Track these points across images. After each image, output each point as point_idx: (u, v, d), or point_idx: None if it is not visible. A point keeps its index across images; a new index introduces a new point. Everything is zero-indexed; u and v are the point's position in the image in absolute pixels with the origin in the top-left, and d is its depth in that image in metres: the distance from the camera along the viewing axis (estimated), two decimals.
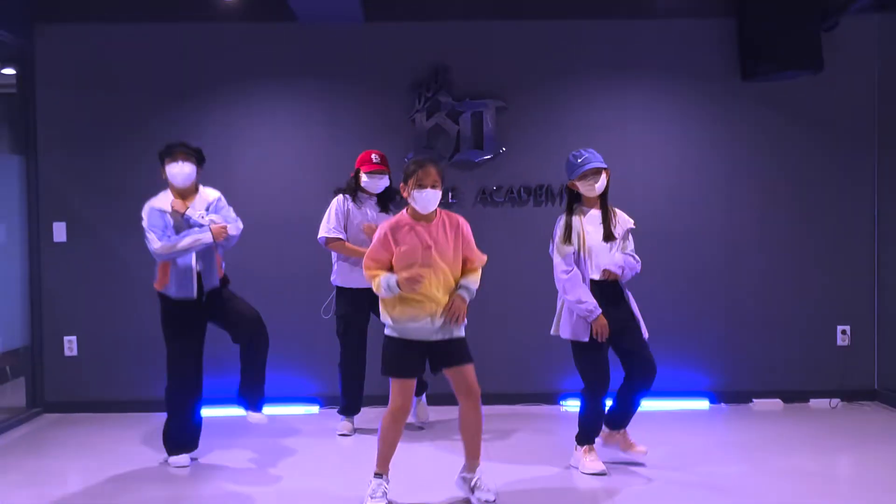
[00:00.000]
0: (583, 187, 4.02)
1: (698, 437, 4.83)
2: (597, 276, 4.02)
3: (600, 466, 4.07)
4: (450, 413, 4.45)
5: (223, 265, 4.39)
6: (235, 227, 4.27)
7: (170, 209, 4.19)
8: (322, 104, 5.61)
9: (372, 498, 3.60)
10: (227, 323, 4.32)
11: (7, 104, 5.77)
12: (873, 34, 5.59)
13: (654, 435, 4.48)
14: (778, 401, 5.59)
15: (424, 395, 5.07)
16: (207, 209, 4.23)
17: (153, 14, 5.57)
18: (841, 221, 5.64)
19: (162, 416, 4.70)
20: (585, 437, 4.15)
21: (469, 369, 3.61)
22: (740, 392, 5.60)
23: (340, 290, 4.88)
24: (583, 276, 4.01)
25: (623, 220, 4.11)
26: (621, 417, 4.21)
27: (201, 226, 4.17)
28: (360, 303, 4.77)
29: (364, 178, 4.82)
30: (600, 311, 3.93)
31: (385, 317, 3.61)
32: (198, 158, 4.28)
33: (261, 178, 5.55)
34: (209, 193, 4.33)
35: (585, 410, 4.12)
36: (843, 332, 5.64)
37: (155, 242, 4.11)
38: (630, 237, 4.12)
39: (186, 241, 4.12)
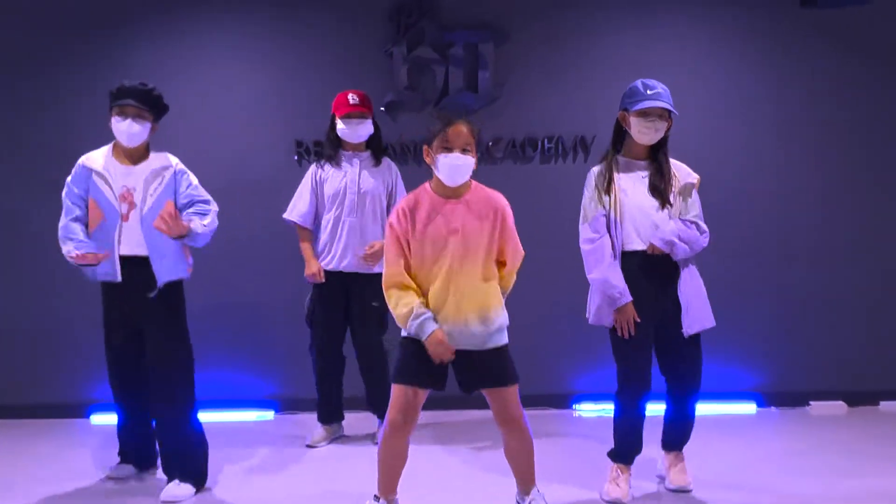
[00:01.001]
0: (637, 126, 3.21)
1: (743, 447, 4.11)
2: (638, 247, 3.22)
3: (617, 493, 3.29)
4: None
5: (190, 260, 3.55)
6: (200, 224, 3.41)
7: (109, 168, 3.43)
8: (283, 37, 4.88)
9: None
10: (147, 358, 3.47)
11: None
12: None
13: (688, 445, 3.65)
14: (841, 403, 4.89)
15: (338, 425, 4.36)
16: (156, 180, 3.44)
17: None
18: None
19: (80, 423, 4.73)
20: (616, 451, 3.40)
21: (510, 393, 2.94)
22: (794, 393, 4.90)
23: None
24: (614, 246, 3.21)
25: (684, 175, 3.31)
26: (665, 434, 3.45)
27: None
28: (336, 290, 4.11)
29: (339, 124, 4.05)
30: (630, 298, 3.15)
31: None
32: (155, 113, 3.48)
33: (202, 134, 4.78)
34: (163, 162, 3.48)
35: (616, 416, 3.39)
36: None
37: (65, 244, 3.40)
38: (695, 197, 3.29)
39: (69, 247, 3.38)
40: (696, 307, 3.24)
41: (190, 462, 3.43)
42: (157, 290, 3.37)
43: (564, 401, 4.82)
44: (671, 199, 3.22)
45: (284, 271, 4.64)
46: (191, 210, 3.42)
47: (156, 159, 3.48)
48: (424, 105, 4.67)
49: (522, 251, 3.03)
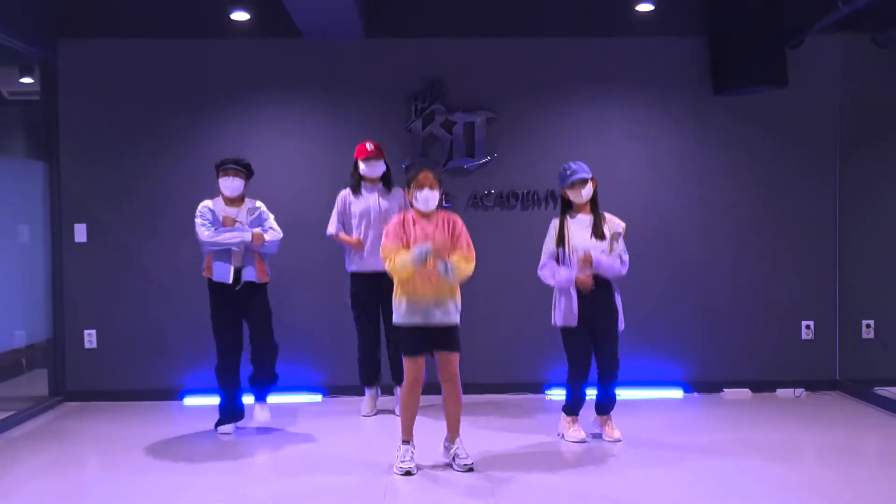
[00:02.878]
0: (572, 195, 4.55)
1: (672, 419, 5.24)
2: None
3: (581, 435, 4.62)
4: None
5: (268, 271, 4.96)
6: (273, 234, 4.89)
7: (218, 208, 4.85)
8: (325, 114, 5.93)
9: (402, 461, 4.09)
10: (250, 324, 4.94)
11: (31, 112, 6.09)
12: (835, 52, 5.94)
13: (631, 417, 4.97)
14: (747, 390, 5.94)
15: (378, 389, 5.49)
16: (251, 215, 4.88)
17: (168, 31, 5.90)
18: (806, 223, 5.98)
19: (174, 405, 5.61)
20: (569, 408, 4.68)
21: (454, 357, 4.09)
22: (712, 382, 5.95)
23: (352, 275, 5.33)
24: (569, 272, 4.50)
25: (613, 224, 4.57)
26: (601, 404, 4.71)
27: (244, 230, 4.81)
28: (371, 286, 5.19)
29: (361, 165, 5.24)
30: (576, 272, 4.45)
31: (394, 305, 4.11)
32: (247, 174, 4.91)
33: (270, 183, 5.74)
34: (254, 203, 4.96)
35: (568, 389, 4.65)
36: (808, 326, 6.00)
37: (203, 230, 4.77)
38: (621, 241, 4.56)
39: (227, 235, 4.78)
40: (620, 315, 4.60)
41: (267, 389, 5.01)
42: (241, 284, 4.78)
43: (538, 388, 5.87)
44: (605, 236, 4.47)
45: (329, 287, 5.73)
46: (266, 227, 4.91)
47: (249, 202, 4.94)
48: (435, 166, 5.61)
49: (473, 251, 4.05)
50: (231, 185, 4.86)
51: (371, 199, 5.27)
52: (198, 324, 5.38)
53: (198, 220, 4.82)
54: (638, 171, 5.98)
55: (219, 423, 4.99)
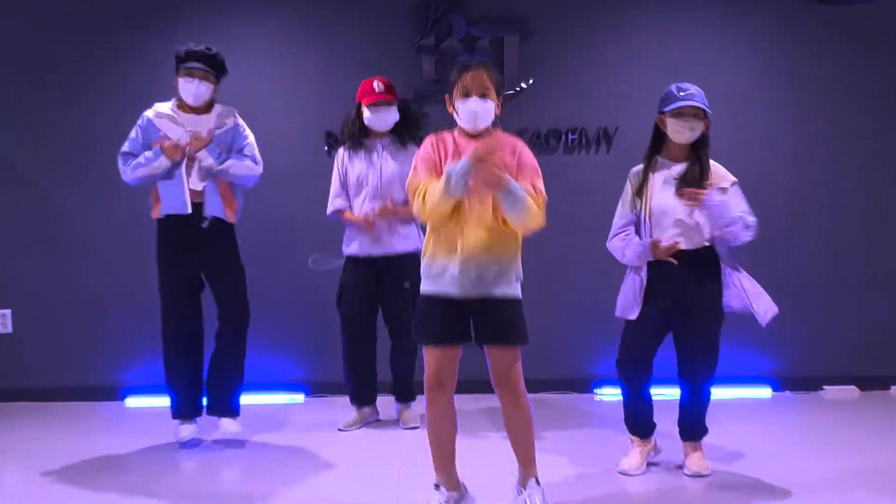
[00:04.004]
0: (673, 126, 3.33)
1: (759, 430, 4.19)
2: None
3: (632, 464, 3.45)
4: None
5: (238, 209, 3.88)
6: (243, 166, 3.81)
7: (164, 121, 3.77)
8: (308, 32, 4.90)
9: None
10: (219, 288, 3.88)
11: None
12: None
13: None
14: (853, 388, 4.97)
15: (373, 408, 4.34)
16: (220, 128, 3.82)
17: None
18: None
19: (113, 406, 4.75)
20: (627, 425, 3.56)
21: (509, 353, 2.85)
22: (809, 378, 4.97)
23: (349, 259, 4.21)
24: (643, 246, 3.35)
25: (721, 176, 3.39)
26: (681, 424, 3.52)
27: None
28: (371, 275, 4.13)
29: (366, 113, 4.07)
30: (650, 239, 3.33)
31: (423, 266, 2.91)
32: (218, 76, 3.84)
33: None
34: (229, 111, 3.89)
35: (623, 395, 3.55)
36: None
37: (120, 163, 3.78)
38: (739, 195, 3.38)
39: (150, 156, 3.71)
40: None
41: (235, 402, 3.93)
42: (207, 220, 3.69)
43: (585, 385, 4.89)
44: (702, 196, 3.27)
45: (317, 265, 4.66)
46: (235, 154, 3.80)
47: (220, 109, 3.85)
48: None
49: (545, 194, 2.86)
50: (195, 90, 3.75)
51: (375, 159, 4.09)
52: (144, 302, 4.35)
53: (121, 149, 3.81)
54: (717, 106, 4.62)
55: (176, 415, 3.91)
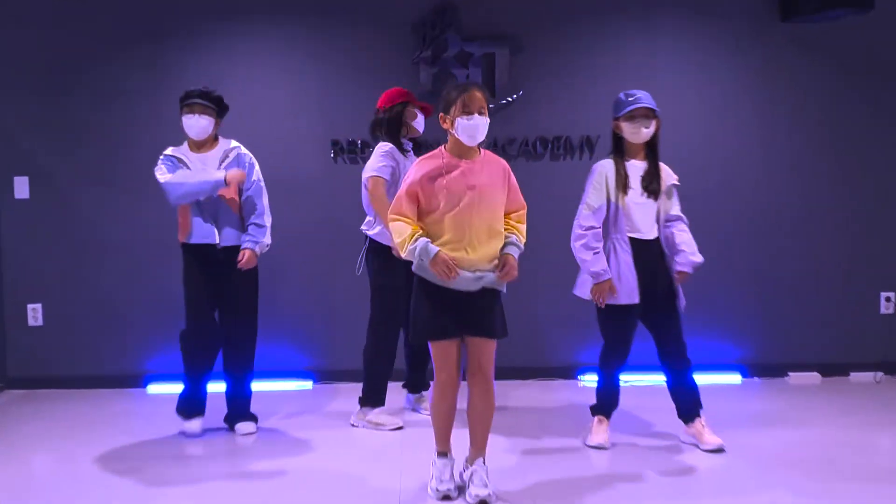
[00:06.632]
0: (629, 129, 3.65)
1: (731, 411, 4.45)
2: (634, 235, 3.69)
3: (600, 439, 3.78)
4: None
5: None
6: (265, 233, 4.08)
7: (184, 155, 3.99)
8: (314, 46, 5.10)
9: (440, 482, 3.16)
10: (226, 302, 4.07)
11: None
12: None
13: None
14: (816, 374, 5.23)
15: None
16: (223, 162, 4.01)
17: None
18: (887, 179, 5.22)
19: (136, 393, 4.90)
20: (598, 407, 3.88)
21: (491, 345, 3.14)
22: (775, 365, 5.22)
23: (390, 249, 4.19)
24: (619, 230, 3.65)
25: (666, 175, 3.76)
26: (682, 406, 3.84)
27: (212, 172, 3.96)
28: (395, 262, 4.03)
29: (415, 114, 4.20)
30: (609, 276, 3.59)
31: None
32: (217, 110, 4.03)
33: (245, 132, 4.78)
34: (230, 144, 4.10)
35: (600, 381, 3.88)
36: (888, 298, 5.26)
37: (159, 173, 3.94)
38: (675, 195, 3.77)
39: (189, 174, 3.92)
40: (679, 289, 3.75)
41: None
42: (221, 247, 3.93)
43: (570, 372, 5.15)
44: (659, 192, 3.68)
45: (321, 260, 4.99)
46: (248, 231, 4.00)
47: (224, 143, 4.07)
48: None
49: (525, 205, 3.24)
50: (196, 124, 3.97)
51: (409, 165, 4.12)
52: (165, 296, 4.67)
53: (157, 168, 3.99)
54: (690, 116, 5.15)
55: (180, 412, 4.12)
